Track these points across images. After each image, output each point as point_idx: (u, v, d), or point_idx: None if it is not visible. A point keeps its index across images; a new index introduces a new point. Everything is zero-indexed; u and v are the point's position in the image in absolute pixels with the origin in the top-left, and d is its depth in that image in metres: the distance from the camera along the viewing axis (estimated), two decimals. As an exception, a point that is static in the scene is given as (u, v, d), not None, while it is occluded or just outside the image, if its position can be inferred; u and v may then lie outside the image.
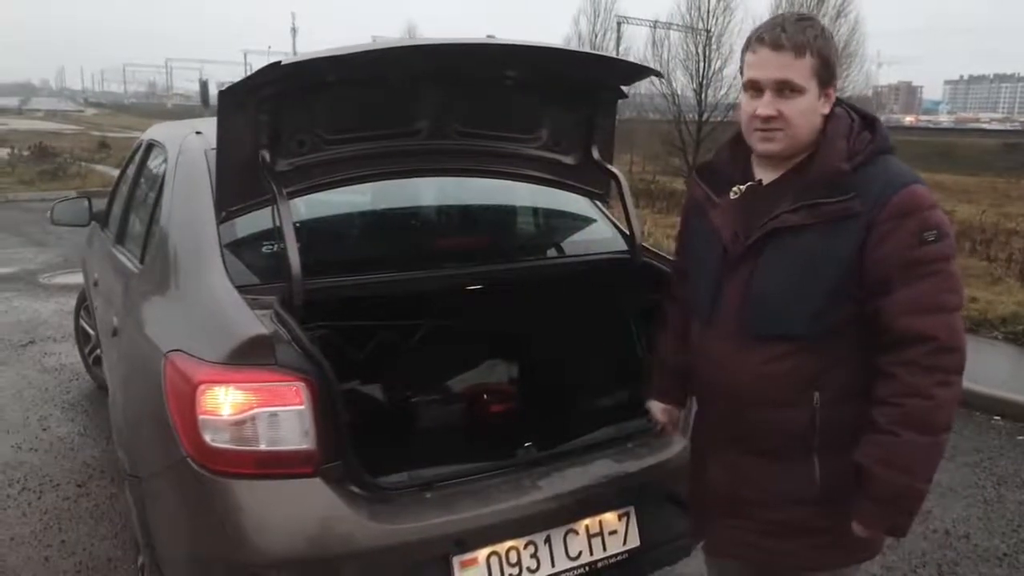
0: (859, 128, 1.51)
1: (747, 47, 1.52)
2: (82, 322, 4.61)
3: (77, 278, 5.77)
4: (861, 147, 1.49)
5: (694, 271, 1.70)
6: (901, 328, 1.40)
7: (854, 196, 1.43)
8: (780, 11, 19.25)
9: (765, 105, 1.48)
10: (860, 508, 1.47)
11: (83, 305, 4.55)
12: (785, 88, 1.46)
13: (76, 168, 16.27)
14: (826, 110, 1.50)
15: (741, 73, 1.55)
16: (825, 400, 1.49)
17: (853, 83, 20.87)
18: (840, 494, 1.51)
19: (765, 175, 1.57)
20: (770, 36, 1.46)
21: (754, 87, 1.49)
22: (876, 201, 1.42)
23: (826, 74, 1.47)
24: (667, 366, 1.88)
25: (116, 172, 4.95)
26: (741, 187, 1.59)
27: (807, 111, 1.48)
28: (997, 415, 4.53)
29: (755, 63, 1.49)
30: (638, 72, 2.39)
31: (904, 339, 1.40)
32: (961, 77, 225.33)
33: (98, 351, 4.04)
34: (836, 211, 1.44)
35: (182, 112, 41.95)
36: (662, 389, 1.92)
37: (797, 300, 1.47)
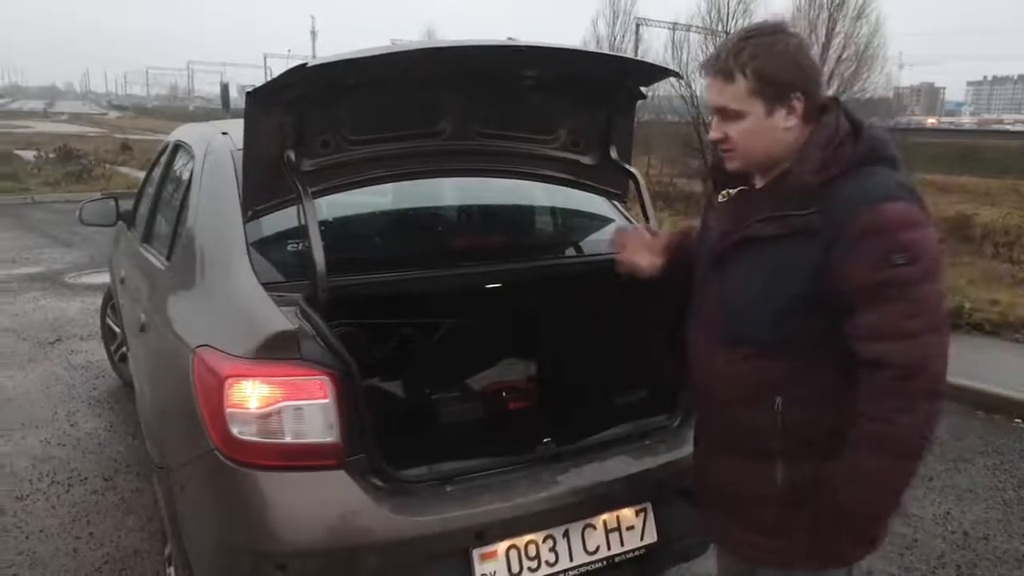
0: (842, 138, 1.45)
1: None
2: (108, 320, 4.69)
3: (102, 277, 5.88)
4: (839, 158, 1.43)
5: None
6: (863, 352, 1.38)
7: (815, 211, 1.40)
8: (801, 12, 19.15)
9: (713, 129, 1.54)
10: (824, 518, 1.47)
11: (109, 303, 4.63)
12: (723, 113, 1.49)
13: (100, 170, 16.53)
14: (791, 123, 1.46)
15: None
16: (788, 405, 1.49)
17: (874, 85, 20.66)
18: (808, 499, 1.51)
19: (759, 180, 1.58)
20: (704, 63, 1.50)
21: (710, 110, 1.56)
22: (842, 217, 1.37)
23: (772, 91, 1.44)
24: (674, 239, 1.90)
25: (138, 174, 5.04)
26: (731, 191, 1.62)
27: (752, 132, 1.47)
28: (1018, 418, 4.50)
29: (704, 87, 1.55)
30: (657, 72, 2.41)
31: (868, 363, 1.38)
32: (984, 78, 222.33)
33: (124, 348, 4.12)
34: (799, 224, 1.42)
35: (203, 115, 42.40)
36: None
37: (759, 307, 1.48)
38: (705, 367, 1.61)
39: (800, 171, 1.45)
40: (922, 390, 1.36)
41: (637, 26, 25.60)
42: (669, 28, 22.84)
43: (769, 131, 1.47)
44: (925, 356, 1.36)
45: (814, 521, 1.50)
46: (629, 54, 20.26)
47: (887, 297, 1.35)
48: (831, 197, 1.41)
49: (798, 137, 1.48)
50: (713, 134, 1.53)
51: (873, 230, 1.35)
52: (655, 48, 24.79)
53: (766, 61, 1.43)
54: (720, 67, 1.46)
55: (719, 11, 20.53)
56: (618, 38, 25.63)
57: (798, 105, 1.46)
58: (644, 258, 1.89)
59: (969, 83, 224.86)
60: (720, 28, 20.47)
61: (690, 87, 20.24)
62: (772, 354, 1.48)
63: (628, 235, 1.97)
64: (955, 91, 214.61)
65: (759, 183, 1.58)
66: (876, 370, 1.37)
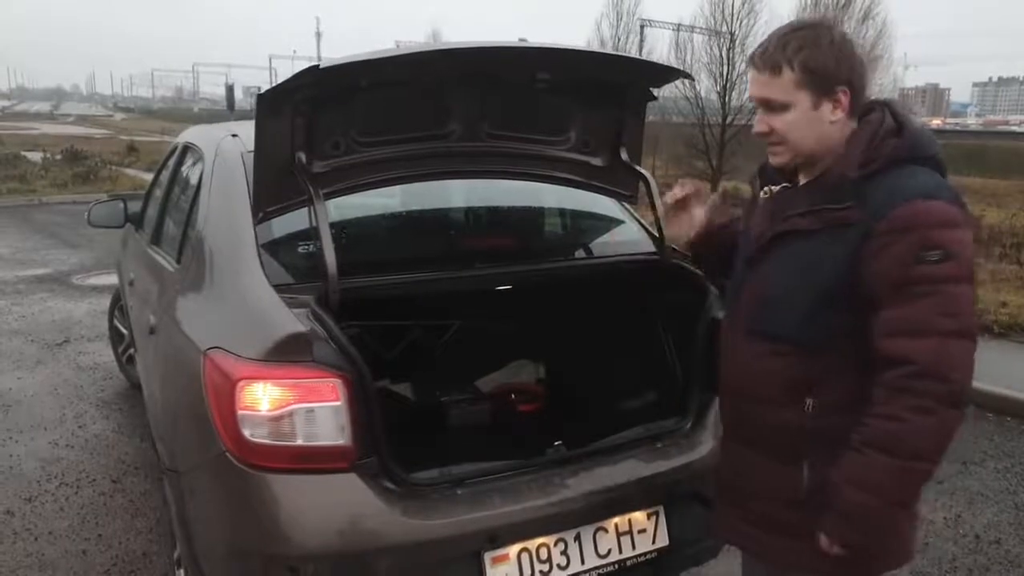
0: (884, 135, 1.47)
1: None
2: (116, 322, 4.70)
3: (109, 279, 5.89)
4: (879, 154, 1.43)
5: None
6: (886, 349, 1.36)
7: (853, 205, 1.41)
8: (806, 13, 19.12)
9: (757, 122, 1.53)
10: (825, 520, 1.45)
11: (117, 305, 4.63)
12: (768, 105, 1.49)
13: (107, 172, 16.58)
14: (837, 117, 1.46)
15: None
16: (818, 408, 1.48)
17: (881, 86, 20.62)
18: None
19: (803, 177, 1.58)
20: (751, 56, 1.51)
21: (754, 103, 1.55)
22: (876, 212, 1.38)
23: (819, 83, 1.44)
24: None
25: (145, 175, 5.06)
26: (773, 188, 1.62)
27: (799, 124, 1.47)
28: (1029, 420, 4.47)
29: (749, 81, 1.55)
30: (668, 74, 2.40)
31: (885, 360, 1.36)
32: (990, 79, 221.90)
33: (131, 350, 4.12)
34: (836, 218, 1.43)
35: (209, 116, 42.47)
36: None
37: (790, 302, 1.48)
38: (733, 362, 1.63)
39: (840, 166, 1.46)
40: (942, 393, 1.32)
41: (641, 27, 25.62)
42: (673, 29, 22.88)
43: (816, 124, 1.47)
44: (950, 357, 1.33)
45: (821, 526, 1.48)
46: (635, 55, 20.15)
47: (917, 293, 1.34)
48: (868, 192, 1.41)
49: (845, 133, 1.49)
50: (758, 127, 1.52)
51: (906, 226, 1.35)
52: (659, 49, 24.77)
53: (813, 53, 1.43)
54: (767, 59, 1.46)
55: (723, 12, 20.55)
56: (622, 39, 25.65)
57: (844, 99, 1.46)
58: (694, 216, 1.94)
59: (974, 84, 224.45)
60: (724, 29, 20.48)
61: (695, 88, 20.26)
62: (804, 352, 1.48)
63: (695, 188, 1.99)
64: (960, 92, 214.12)
65: (803, 180, 1.57)
66: (891, 367, 1.35)
